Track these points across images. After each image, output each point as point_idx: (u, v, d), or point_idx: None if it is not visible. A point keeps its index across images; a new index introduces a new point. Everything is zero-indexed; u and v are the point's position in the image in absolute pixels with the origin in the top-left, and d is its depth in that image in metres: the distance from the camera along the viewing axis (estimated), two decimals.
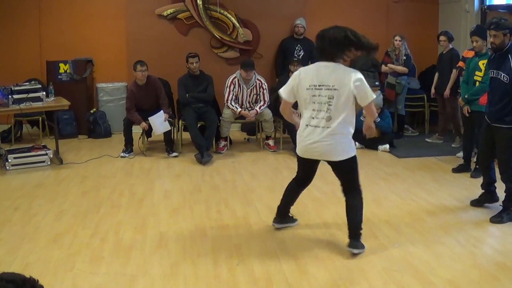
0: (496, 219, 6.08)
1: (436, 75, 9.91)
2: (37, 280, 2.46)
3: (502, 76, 5.94)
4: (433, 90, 9.92)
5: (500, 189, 6.45)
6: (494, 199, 6.58)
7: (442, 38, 9.60)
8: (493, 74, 6.11)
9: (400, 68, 10.13)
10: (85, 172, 8.21)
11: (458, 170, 8.11)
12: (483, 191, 6.65)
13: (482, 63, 7.46)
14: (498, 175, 6.40)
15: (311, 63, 10.68)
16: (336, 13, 11.55)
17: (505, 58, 5.95)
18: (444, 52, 9.68)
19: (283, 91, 5.39)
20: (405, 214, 6.36)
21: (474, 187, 7.30)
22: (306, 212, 6.36)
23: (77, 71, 10.69)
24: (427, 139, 10.18)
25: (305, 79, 5.24)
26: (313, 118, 5.20)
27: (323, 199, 6.79)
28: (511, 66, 5.86)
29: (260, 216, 6.32)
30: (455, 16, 10.95)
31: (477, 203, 6.62)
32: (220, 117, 9.51)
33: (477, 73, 7.57)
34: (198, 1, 10.90)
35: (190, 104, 9.29)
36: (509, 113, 5.94)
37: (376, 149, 9.49)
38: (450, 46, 9.60)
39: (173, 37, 11.07)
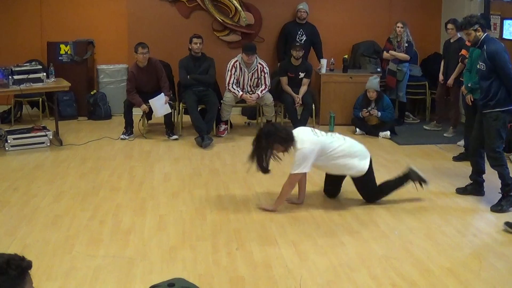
0: (496, 208, 6.11)
1: (443, 62, 9.81)
2: (22, 257, 2.42)
3: (481, 65, 6.29)
4: (441, 77, 9.77)
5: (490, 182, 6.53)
6: (481, 192, 6.62)
7: (450, 26, 9.45)
8: (478, 66, 6.43)
9: (402, 55, 10.07)
10: (84, 154, 8.19)
11: (458, 158, 8.09)
12: (471, 181, 6.70)
13: None
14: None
15: (313, 48, 10.74)
16: None
17: (482, 49, 6.30)
18: (452, 41, 9.55)
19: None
20: (405, 201, 6.35)
21: None
22: (307, 197, 6.35)
23: (78, 52, 10.63)
24: (425, 126, 10.12)
25: None
26: None
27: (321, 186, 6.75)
28: (485, 55, 6.16)
29: (260, 201, 6.32)
30: (458, 3, 10.88)
31: (463, 191, 6.69)
32: (221, 101, 9.47)
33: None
34: None
35: (191, 86, 9.25)
36: (492, 98, 6.16)
37: (377, 135, 9.46)
38: (458, 35, 9.45)
39: (174, 20, 11.00)
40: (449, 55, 9.51)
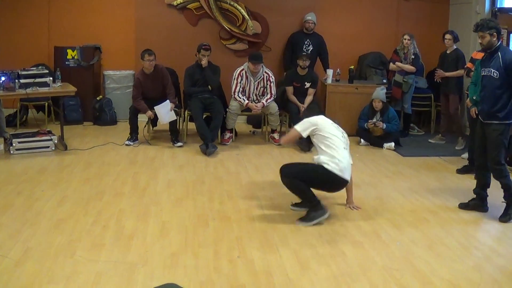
0: (505, 218, 6.13)
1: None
2: None
3: (492, 73, 6.10)
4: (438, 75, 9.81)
5: (493, 197, 6.51)
6: (484, 208, 6.49)
7: (447, 36, 9.51)
8: (485, 72, 6.25)
9: (408, 67, 10.08)
10: (89, 159, 8.21)
11: (462, 171, 8.09)
12: (474, 196, 6.59)
13: None
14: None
15: (320, 59, 10.75)
16: (346, 9, 11.55)
17: (495, 55, 6.11)
18: (448, 52, 9.62)
19: None
20: (407, 213, 6.35)
21: None
22: None
23: (85, 57, 10.68)
24: (430, 140, 10.11)
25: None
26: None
27: (326, 194, 6.74)
28: (500, 62, 6.02)
29: (262, 209, 6.31)
30: (465, 17, 10.89)
31: (465, 206, 6.58)
32: (227, 109, 9.49)
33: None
34: None
35: (197, 94, 9.27)
36: (501, 109, 6.07)
37: (382, 146, 9.46)
38: (455, 47, 9.55)
39: (182, 27, 11.05)
40: (444, 66, 9.55)
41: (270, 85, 9.48)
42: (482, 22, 6.14)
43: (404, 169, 8.27)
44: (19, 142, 8.34)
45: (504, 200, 6.26)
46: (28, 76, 8.45)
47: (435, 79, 9.78)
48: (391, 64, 10.34)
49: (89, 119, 10.77)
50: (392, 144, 9.47)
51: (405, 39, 10.09)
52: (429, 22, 11.70)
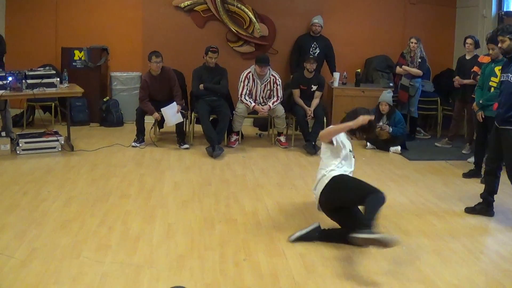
0: None
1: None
2: None
3: (510, 78, 6.04)
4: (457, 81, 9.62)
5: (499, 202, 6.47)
6: (490, 212, 6.47)
7: (469, 41, 9.39)
8: (504, 78, 6.19)
9: (415, 71, 10.07)
10: (95, 160, 8.22)
11: (468, 175, 8.07)
12: (481, 200, 6.56)
13: (498, 69, 7.38)
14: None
15: (327, 62, 10.75)
16: (353, 12, 11.56)
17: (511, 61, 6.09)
18: (467, 58, 9.50)
19: None
20: (414, 217, 6.34)
21: None
22: (314, 212, 6.34)
23: (92, 59, 10.70)
24: (436, 144, 10.10)
25: None
26: None
27: None
28: None
29: (269, 212, 6.31)
30: (472, 20, 10.89)
31: (471, 210, 6.56)
32: (233, 111, 9.49)
33: (492, 78, 7.51)
34: None
35: (204, 96, 9.28)
36: None
37: (388, 150, 9.45)
38: (475, 53, 9.45)
39: (189, 29, 11.07)
40: (462, 72, 9.43)
41: (276, 88, 9.47)
42: (502, 26, 6.13)
43: (410, 173, 8.26)
44: (25, 143, 8.36)
45: None
46: (35, 77, 8.49)
47: (455, 85, 9.59)
48: (397, 67, 10.34)
49: (96, 120, 10.80)
50: (399, 147, 9.46)
51: (411, 42, 10.09)
52: (436, 25, 11.69)
